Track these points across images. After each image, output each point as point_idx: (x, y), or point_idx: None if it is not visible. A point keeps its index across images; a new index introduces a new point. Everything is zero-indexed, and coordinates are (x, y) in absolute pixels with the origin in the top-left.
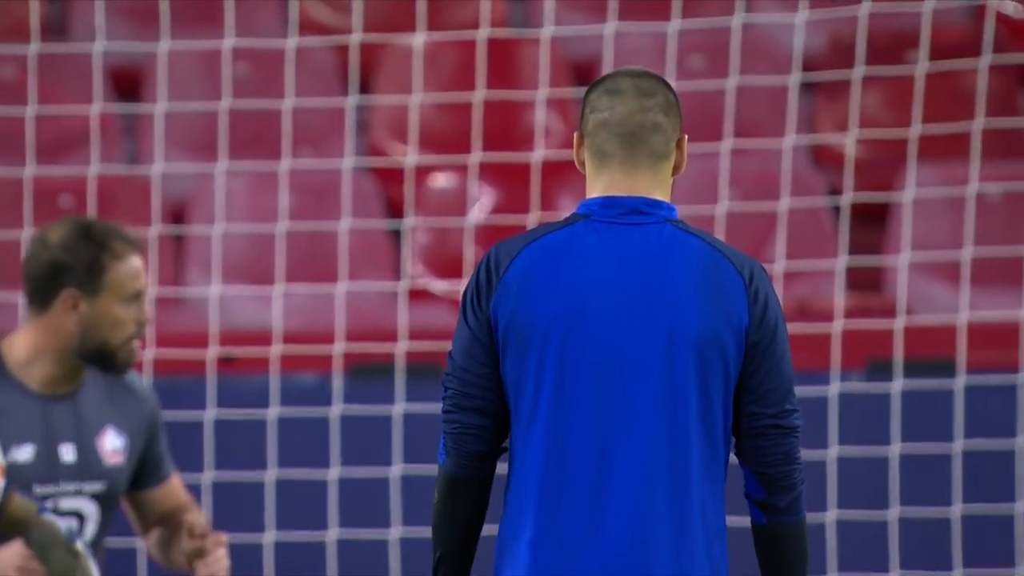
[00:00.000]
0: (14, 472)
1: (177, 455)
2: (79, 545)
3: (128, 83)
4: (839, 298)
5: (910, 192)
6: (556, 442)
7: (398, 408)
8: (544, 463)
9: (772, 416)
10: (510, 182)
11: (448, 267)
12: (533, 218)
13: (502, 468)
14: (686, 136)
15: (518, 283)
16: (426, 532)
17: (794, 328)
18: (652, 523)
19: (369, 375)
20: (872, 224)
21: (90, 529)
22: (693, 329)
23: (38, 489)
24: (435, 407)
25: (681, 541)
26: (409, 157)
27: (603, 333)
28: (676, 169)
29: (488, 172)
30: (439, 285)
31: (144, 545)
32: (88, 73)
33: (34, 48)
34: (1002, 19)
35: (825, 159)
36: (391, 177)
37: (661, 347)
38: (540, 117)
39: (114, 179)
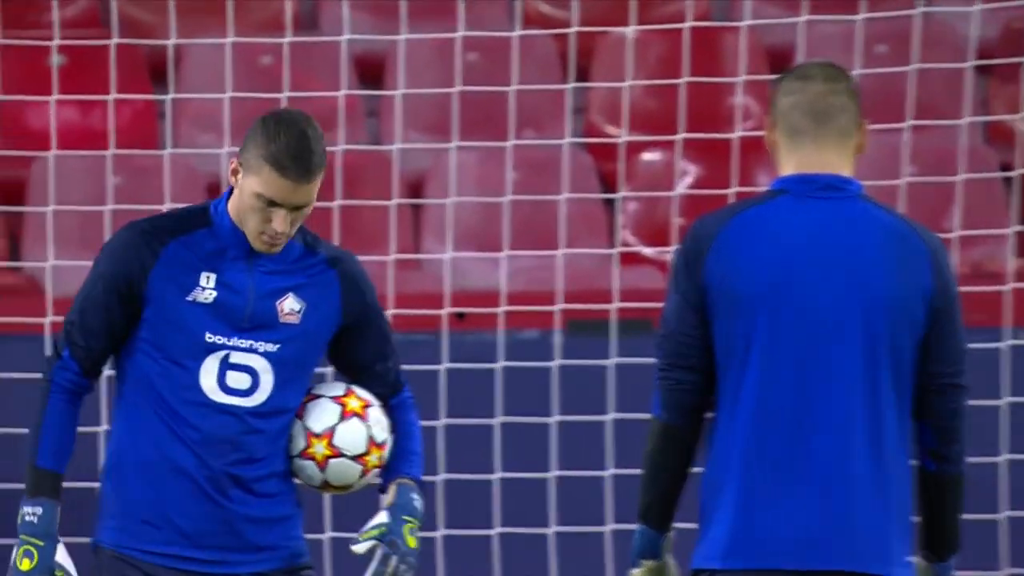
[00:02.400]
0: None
1: (415, 403)
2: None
3: (371, 70)
4: (1010, 261)
5: None
6: (762, 397)
7: (612, 362)
8: (751, 415)
9: (950, 375)
10: (712, 158)
11: (656, 234)
12: (733, 191)
13: None
14: (866, 121)
15: (727, 252)
16: (635, 473)
17: (970, 289)
18: (851, 473)
19: (586, 331)
20: None
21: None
22: (886, 294)
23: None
24: (645, 360)
25: (878, 488)
26: (621, 136)
27: (806, 298)
28: (858, 149)
29: (692, 149)
30: (648, 250)
31: None
32: (336, 61)
33: (288, 39)
34: None
35: (998, 137)
36: (605, 154)
37: (858, 311)
38: (739, 99)
39: (358, 156)
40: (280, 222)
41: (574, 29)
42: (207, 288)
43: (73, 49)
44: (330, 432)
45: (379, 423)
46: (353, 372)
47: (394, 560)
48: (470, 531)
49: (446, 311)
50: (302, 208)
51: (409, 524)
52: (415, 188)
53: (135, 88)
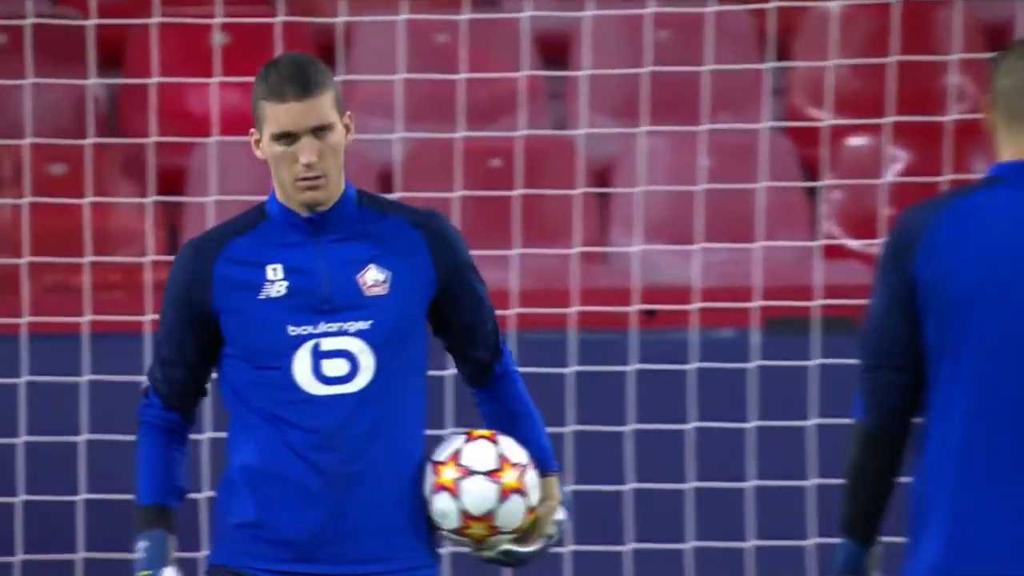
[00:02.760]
0: None
1: (602, 406)
2: None
3: (555, 49)
4: None
5: None
6: (982, 398)
7: (813, 362)
8: (968, 417)
9: None
10: (924, 143)
11: (863, 226)
12: (946, 179)
13: None
14: None
15: (940, 245)
16: (838, 483)
17: None
18: None
19: (785, 330)
20: None
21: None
22: None
23: None
24: (850, 361)
25: None
26: (825, 119)
27: None
28: None
29: (902, 134)
30: (854, 243)
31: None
32: (517, 40)
33: (466, 16)
34: None
35: None
36: (807, 138)
37: None
38: (954, 79)
39: (541, 141)
40: (306, 152)
41: (774, 3)
42: (276, 280)
43: (236, 27)
44: (490, 515)
45: (534, 487)
46: (451, 337)
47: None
48: (658, 544)
49: (634, 308)
50: (323, 133)
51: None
52: (601, 176)
53: None
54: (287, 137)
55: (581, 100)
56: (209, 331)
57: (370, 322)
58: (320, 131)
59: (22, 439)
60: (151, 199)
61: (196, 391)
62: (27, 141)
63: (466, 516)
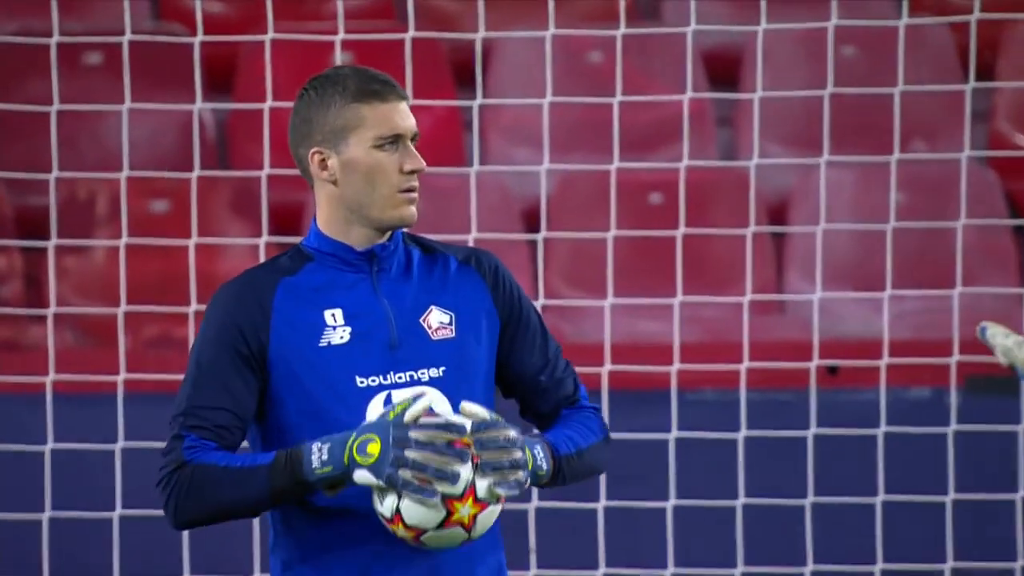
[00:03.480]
0: None
1: (776, 475)
2: None
3: (724, 69)
4: None
5: None
6: None
7: (1022, 427)
8: None
9: None
10: None
11: None
12: None
13: None
14: None
15: None
16: None
17: None
18: None
19: (989, 389)
20: None
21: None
22: None
23: None
24: None
25: None
26: None
27: None
28: None
29: None
30: None
31: None
32: (680, 58)
33: (622, 31)
34: None
35: None
36: (1013, 169)
37: None
38: None
39: (707, 173)
40: (413, 158)
41: (975, 16)
42: (337, 327)
43: (361, 45)
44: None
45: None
46: (519, 389)
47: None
48: None
49: (815, 364)
50: (415, 139)
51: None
52: (776, 212)
53: (435, 92)
54: (394, 141)
55: (753, 126)
56: (258, 381)
57: (442, 368)
58: (414, 139)
59: (117, 512)
60: (264, 239)
61: (241, 438)
62: (124, 174)
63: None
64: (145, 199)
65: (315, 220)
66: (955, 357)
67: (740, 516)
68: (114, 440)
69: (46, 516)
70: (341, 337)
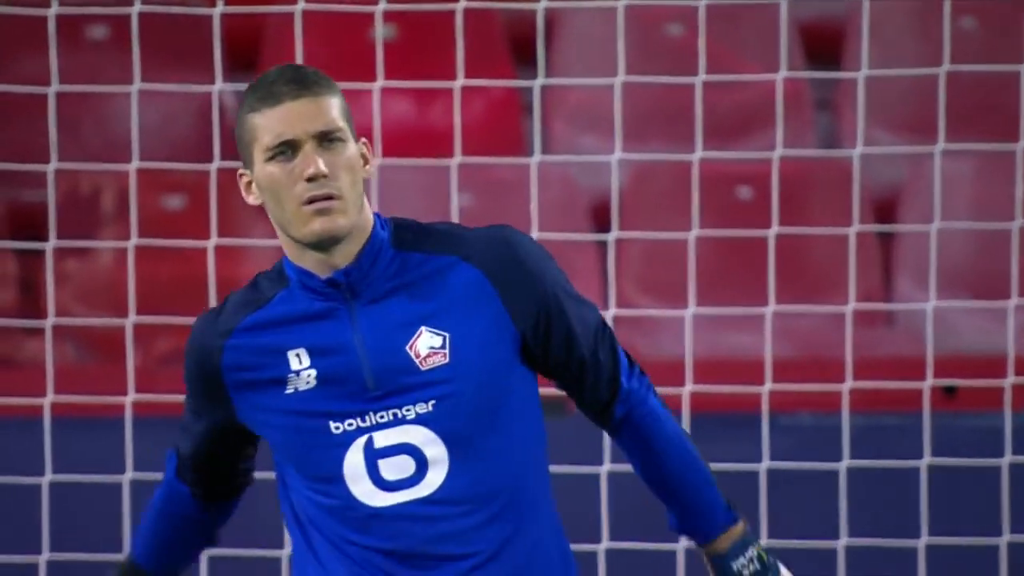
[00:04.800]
0: None
1: (885, 509)
2: None
3: (824, 43)
4: None
5: None
6: None
7: None
8: None
9: None
10: None
11: None
12: None
13: None
14: None
15: None
16: None
17: None
18: None
19: None
20: None
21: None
22: None
23: None
24: None
25: None
26: None
27: None
28: None
29: None
30: None
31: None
32: (773, 32)
33: (705, 1)
34: None
35: None
36: None
37: None
38: None
39: (804, 164)
40: (309, 160)
41: None
42: (302, 371)
43: (404, 17)
44: None
45: None
46: (560, 382)
47: None
48: None
49: (928, 384)
50: (331, 143)
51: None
52: (885, 209)
53: (491, 71)
54: (285, 150)
55: (858, 110)
56: (240, 436)
57: (432, 402)
58: (327, 139)
59: (124, 556)
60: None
61: (215, 483)
62: (134, 165)
63: None
64: (157, 194)
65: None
66: None
67: (842, 559)
68: (121, 470)
69: (44, 559)
70: (307, 382)
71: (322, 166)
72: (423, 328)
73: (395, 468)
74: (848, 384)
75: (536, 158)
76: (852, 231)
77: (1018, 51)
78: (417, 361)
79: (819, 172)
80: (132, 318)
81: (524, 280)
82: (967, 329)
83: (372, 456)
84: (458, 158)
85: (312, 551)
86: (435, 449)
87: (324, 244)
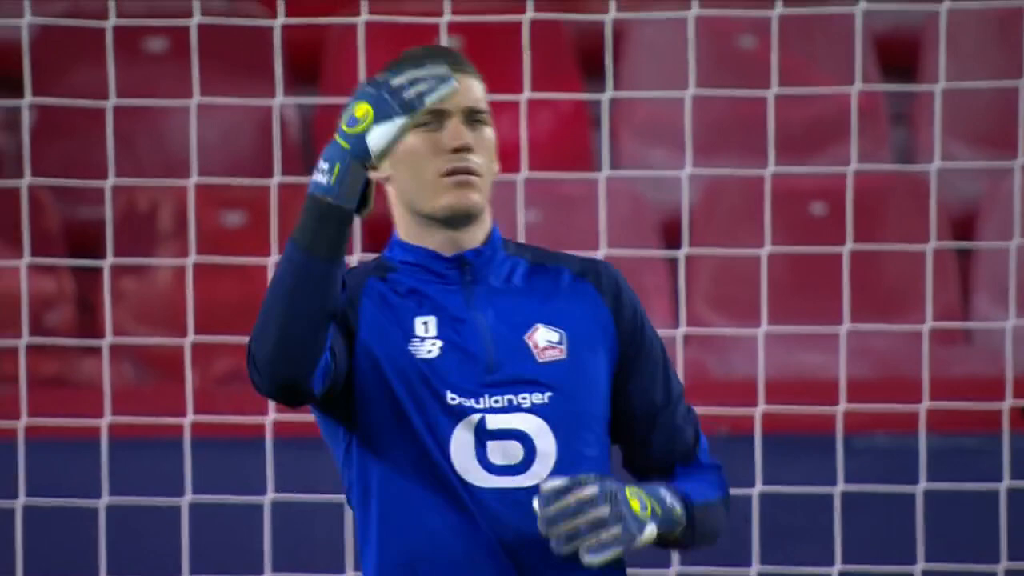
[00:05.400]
0: None
1: (964, 534)
2: None
3: (899, 55)
4: None
5: None
6: None
7: None
8: None
9: None
10: None
11: None
12: None
13: None
14: None
15: None
16: None
17: None
18: None
19: None
20: None
21: None
22: None
23: None
24: None
25: None
26: None
27: None
28: None
29: None
30: None
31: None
32: (847, 43)
33: (777, 11)
34: None
35: None
36: None
37: None
38: None
39: (880, 179)
40: (457, 132)
41: None
42: (427, 337)
43: (470, 28)
44: None
45: None
46: (629, 433)
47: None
48: None
49: (1007, 404)
50: (477, 122)
51: (638, 495)
52: (963, 226)
53: (558, 84)
54: (432, 120)
55: (935, 123)
56: (350, 351)
57: (548, 393)
58: (474, 117)
59: None
60: (357, 256)
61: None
62: (193, 180)
63: None
64: (217, 210)
65: (395, 230)
66: None
67: None
68: (180, 493)
69: None
70: (429, 351)
71: (469, 138)
72: (539, 324)
73: (503, 453)
74: (925, 404)
75: (604, 173)
76: (929, 248)
77: None
78: (535, 352)
79: (895, 187)
80: (191, 337)
81: (629, 306)
82: None
83: (482, 436)
84: (524, 173)
85: (384, 518)
86: (545, 441)
87: (456, 218)
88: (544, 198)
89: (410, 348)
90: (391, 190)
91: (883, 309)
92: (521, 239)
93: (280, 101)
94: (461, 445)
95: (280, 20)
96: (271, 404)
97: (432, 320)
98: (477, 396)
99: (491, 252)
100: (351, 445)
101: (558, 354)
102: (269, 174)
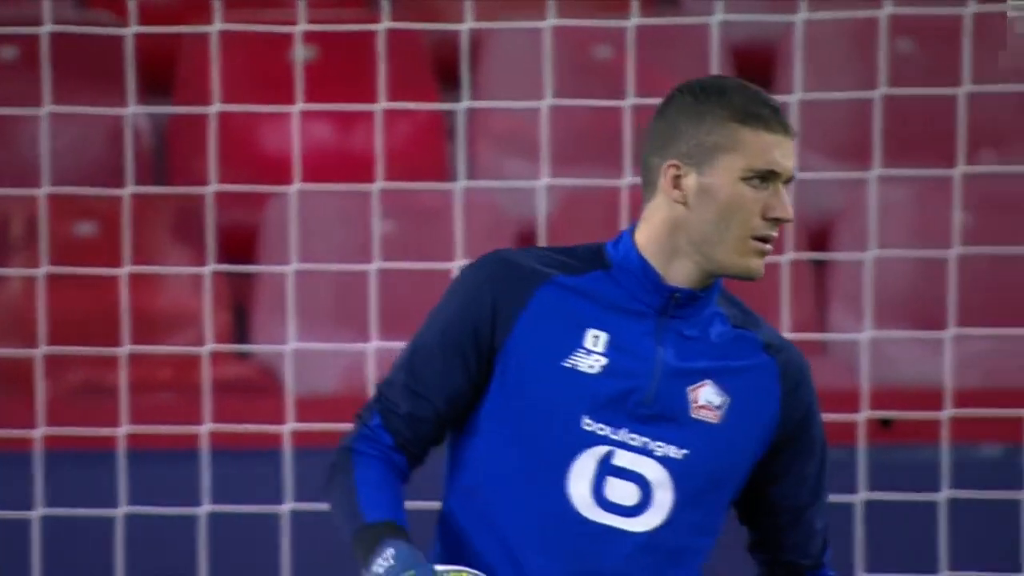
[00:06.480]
0: None
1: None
2: None
3: (756, 65)
4: None
5: None
6: None
7: None
8: None
9: None
10: None
11: None
12: None
13: None
14: None
15: None
16: None
17: None
18: None
19: None
20: None
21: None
22: None
23: None
24: None
25: None
26: None
27: None
28: None
29: None
30: None
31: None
32: (704, 53)
33: (634, 21)
34: None
35: None
36: None
37: None
38: None
39: None
40: (783, 205)
41: None
42: (594, 352)
43: (326, 37)
44: None
45: None
46: (764, 523)
47: None
48: None
49: (863, 416)
50: (788, 186)
51: None
52: (819, 236)
53: (414, 93)
54: (765, 178)
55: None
56: (480, 373)
57: (685, 452)
58: (787, 185)
59: None
60: (210, 268)
61: (434, 440)
62: (44, 191)
63: None
64: (68, 220)
65: (631, 231)
66: None
67: None
68: (30, 507)
69: None
70: (590, 366)
71: (790, 213)
72: (708, 381)
73: (620, 492)
74: None
75: (461, 183)
76: (785, 259)
77: (956, 73)
78: (692, 406)
79: None
80: (42, 349)
81: (805, 393)
82: (903, 360)
83: (605, 469)
84: (380, 183)
85: (461, 532)
86: (665, 495)
87: (738, 278)
88: (400, 209)
89: (567, 361)
90: (675, 209)
91: None
92: (376, 251)
93: (133, 110)
94: (582, 472)
95: (133, 28)
96: (124, 412)
97: (603, 336)
98: (616, 428)
99: (705, 302)
100: (467, 432)
101: (713, 417)
102: (122, 184)
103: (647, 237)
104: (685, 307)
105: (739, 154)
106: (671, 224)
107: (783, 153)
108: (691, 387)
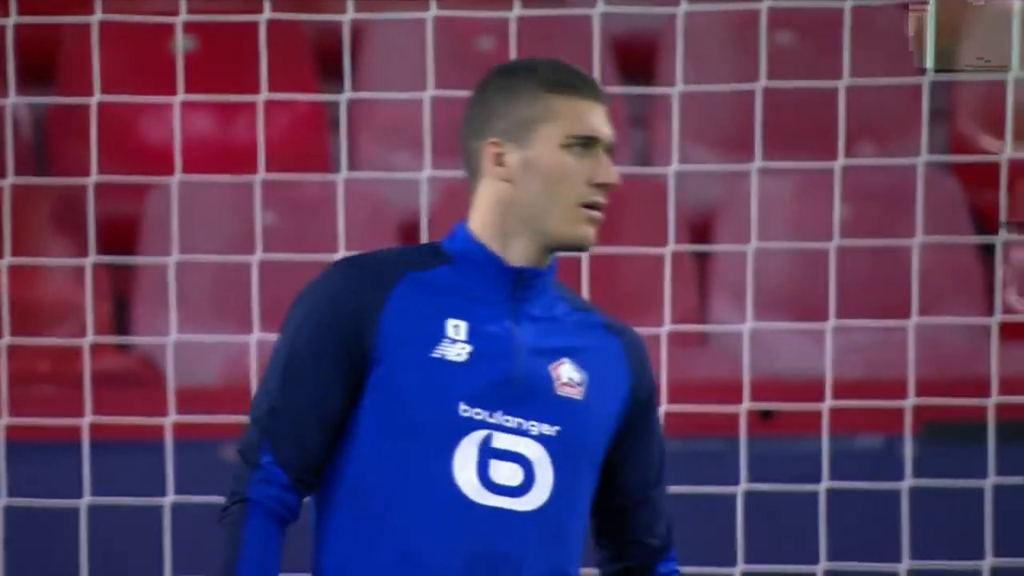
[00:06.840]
0: None
1: (701, 535)
2: None
3: (636, 58)
4: None
5: None
6: None
7: (989, 481)
8: None
9: None
10: None
11: None
12: None
13: None
14: None
15: None
16: None
17: None
18: None
19: (950, 437)
20: None
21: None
22: None
23: None
24: None
25: None
26: (1005, 151)
27: None
28: None
29: None
30: None
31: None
32: (585, 46)
33: (516, 13)
34: None
35: None
36: (980, 177)
37: None
38: None
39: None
40: (608, 170)
41: None
42: (457, 340)
43: (206, 28)
44: None
45: None
46: (613, 506)
47: None
48: None
49: (745, 407)
50: (610, 154)
51: None
52: (700, 228)
53: (295, 84)
54: (585, 144)
55: (672, 127)
56: (355, 381)
57: (557, 428)
58: (608, 153)
59: None
60: (92, 259)
61: (320, 465)
62: None
63: None
64: None
65: (465, 221)
66: (911, 400)
67: None
68: None
69: None
70: (457, 354)
71: (615, 176)
72: (566, 359)
73: (504, 473)
74: (664, 408)
75: (343, 175)
76: (667, 251)
77: (837, 67)
78: (556, 383)
79: (633, 190)
80: None
81: (647, 378)
82: (784, 352)
83: (486, 452)
84: (262, 175)
85: (352, 529)
86: (545, 472)
87: (572, 249)
88: (282, 200)
89: (434, 352)
90: (500, 188)
91: (622, 312)
92: (259, 242)
93: (13, 101)
94: (465, 458)
95: (12, 19)
96: (3, 405)
97: (463, 324)
98: (492, 410)
99: (549, 280)
100: (345, 437)
101: (576, 394)
102: (2, 174)
103: (480, 223)
104: (531, 287)
105: (556, 123)
106: (500, 204)
107: (599, 119)
108: (552, 365)
